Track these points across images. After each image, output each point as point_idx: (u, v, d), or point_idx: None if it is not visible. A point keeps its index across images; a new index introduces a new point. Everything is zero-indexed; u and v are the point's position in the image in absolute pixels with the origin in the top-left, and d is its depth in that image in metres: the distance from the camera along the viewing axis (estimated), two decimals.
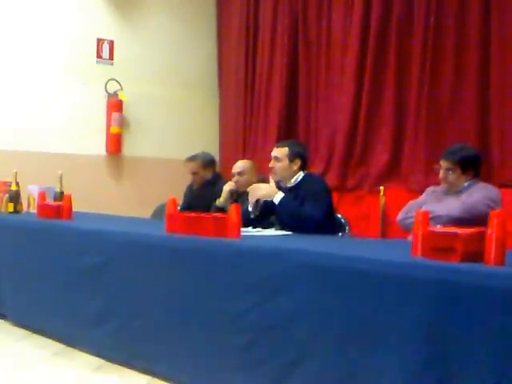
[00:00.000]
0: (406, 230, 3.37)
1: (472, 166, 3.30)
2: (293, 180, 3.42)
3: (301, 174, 3.44)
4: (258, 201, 3.33)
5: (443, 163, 3.31)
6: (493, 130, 4.30)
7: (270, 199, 3.27)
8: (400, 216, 3.47)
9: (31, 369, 2.91)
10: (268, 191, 3.30)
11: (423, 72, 4.62)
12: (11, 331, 3.54)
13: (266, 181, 4.24)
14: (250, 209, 3.36)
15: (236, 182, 4.07)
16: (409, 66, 4.77)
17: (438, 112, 4.56)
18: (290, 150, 3.42)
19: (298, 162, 3.43)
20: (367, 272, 1.97)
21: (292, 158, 3.41)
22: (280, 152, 3.42)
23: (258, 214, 3.35)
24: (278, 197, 3.26)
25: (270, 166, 3.45)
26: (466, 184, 3.29)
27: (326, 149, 5.30)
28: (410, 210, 3.33)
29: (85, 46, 5.75)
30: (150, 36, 6.15)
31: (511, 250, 1.89)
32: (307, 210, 3.21)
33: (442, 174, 3.32)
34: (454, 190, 3.32)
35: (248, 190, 3.39)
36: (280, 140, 5.43)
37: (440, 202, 3.33)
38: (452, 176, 3.28)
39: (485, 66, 4.34)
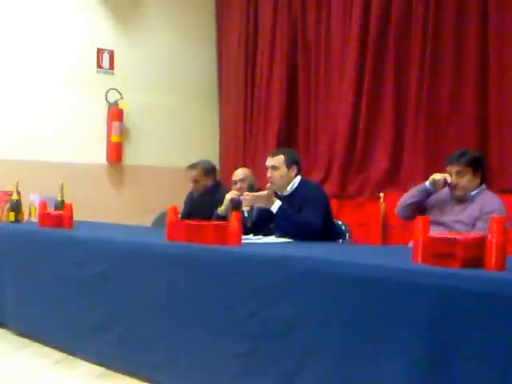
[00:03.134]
0: (403, 210, 3.40)
1: (481, 167, 3.27)
2: (289, 187, 3.42)
3: (297, 181, 3.44)
4: (252, 207, 3.34)
5: (452, 168, 3.23)
6: (492, 137, 4.30)
7: (267, 207, 3.27)
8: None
9: (32, 378, 2.91)
10: (265, 200, 3.30)
11: (422, 79, 4.63)
12: (12, 340, 3.54)
13: (261, 190, 4.26)
14: (246, 214, 3.36)
15: (239, 190, 4.07)
16: (407, 73, 4.79)
17: (437, 119, 4.57)
18: (285, 157, 3.42)
19: (295, 168, 3.44)
20: (368, 278, 1.97)
21: (289, 164, 3.42)
22: (276, 160, 3.41)
23: (254, 220, 3.35)
24: (275, 205, 3.26)
25: (268, 175, 3.44)
26: (472, 193, 3.23)
27: (325, 156, 5.31)
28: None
29: (85, 55, 5.78)
30: (149, 45, 6.18)
31: (511, 255, 1.89)
32: (304, 217, 3.20)
33: (453, 179, 3.23)
34: (462, 196, 3.24)
35: (241, 198, 3.37)
36: (280, 147, 5.47)
37: (446, 213, 3.28)
38: (464, 179, 3.21)
39: (483, 74, 4.35)
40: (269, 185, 3.38)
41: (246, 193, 3.38)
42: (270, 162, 3.44)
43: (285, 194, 3.41)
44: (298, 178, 3.46)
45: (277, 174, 3.39)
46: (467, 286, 1.74)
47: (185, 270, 2.62)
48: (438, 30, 4.55)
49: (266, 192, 3.30)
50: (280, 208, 3.23)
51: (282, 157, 3.42)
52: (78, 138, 5.69)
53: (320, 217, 3.23)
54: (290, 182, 3.42)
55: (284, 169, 3.40)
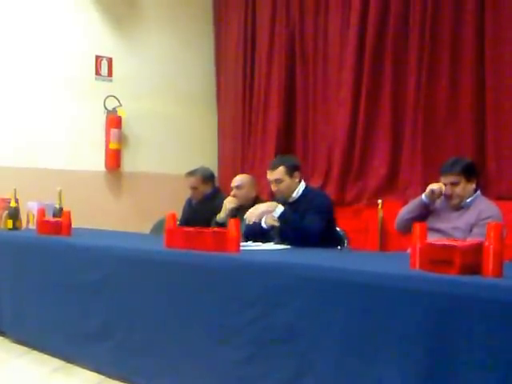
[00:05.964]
0: (402, 224, 3.44)
1: (474, 174, 3.30)
2: (294, 194, 3.46)
3: (301, 187, 3.48)
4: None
5: (446, 179, 3.28)
6: (489, 144, 4.32)
7: (270, 214, 3.28)
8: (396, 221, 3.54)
9: None
10: (267, 207, 3.32)
11: (419, 86, 4.65)
12: (11, 348, 3.54)
13: (261, 199, 4.26)
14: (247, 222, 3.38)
15: (234, 196, 4.09)
16: (405, 80, 4.80)
17: (435, 125, 4.58)
18: (285, 167, 3.44)
19: (298, 175, 3.47)
20: (366, 285, 1.98)
21: (291, 172, 3.44)
22: (278, 173, 3.43)
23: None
24: (278, 210, 3.28)
25: (273, 190, 3.50)
26: (468, 200, 3.27)
27: (324, 163, 5.32)
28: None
29: (84, 62, 5.79)
30: (148, 52, 6.19)
31: (509, 261, 1.90)
32: (305, 223, 3.23)
33: (448, 189, 3.27)
34: (458, 204, 3.27)
35: (246, 216, 3.33)
36: (278, 154, 5.48)
37: (443, 220, 3.31)
38: (459, 188, 3.25)
39: (480, 80, 4.36)
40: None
41: (249, 214, 3.30)
42: (272, 175, 3.46)
43: (290, 200, 3.45)
44: (303, 184, 3.50)
45: (282, 185, 3.44)
46: (465, 292, 1.75)
47: (183, 276, 2.62)
48: (435, 37, 4.57)
49: (265, 204, 3.29)
50: (282, 213, 3.26)
51: (281, 168, 3.43)
52: (76, 145, 5.70)
53: (320, 223, 3.26)
54: (295, 190, 3.45)
55: (287, 179, 3.43)
